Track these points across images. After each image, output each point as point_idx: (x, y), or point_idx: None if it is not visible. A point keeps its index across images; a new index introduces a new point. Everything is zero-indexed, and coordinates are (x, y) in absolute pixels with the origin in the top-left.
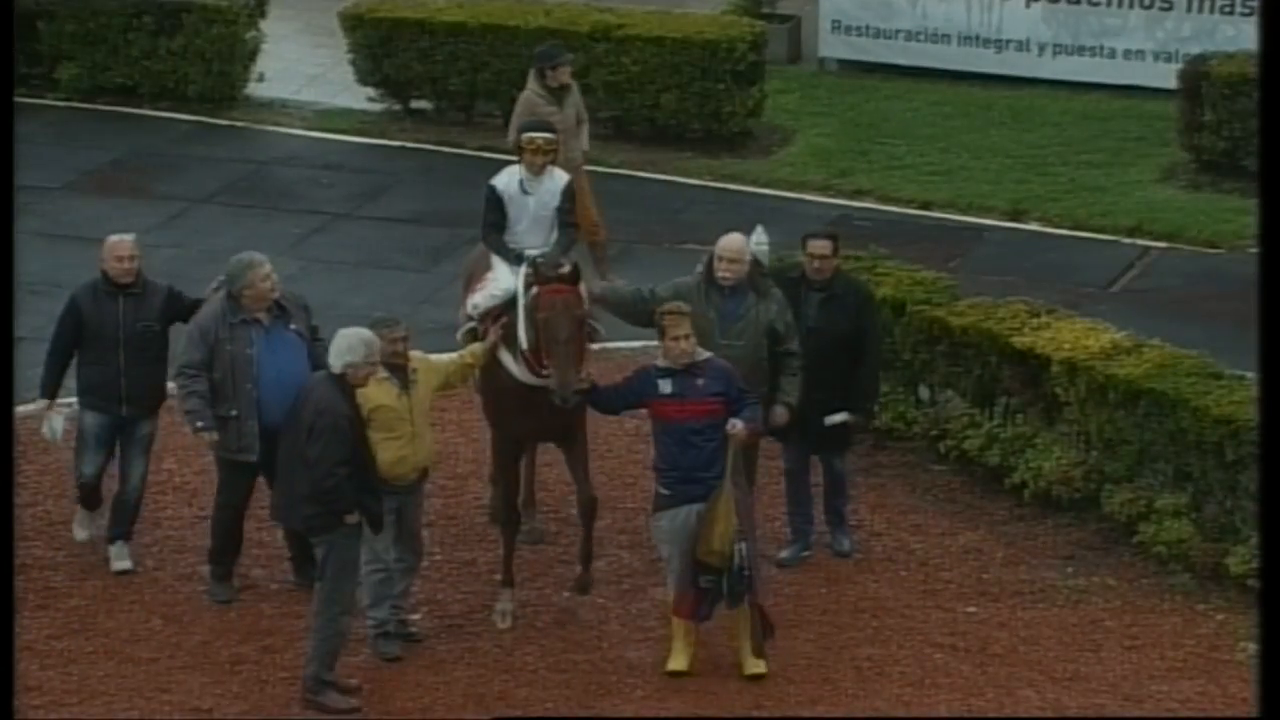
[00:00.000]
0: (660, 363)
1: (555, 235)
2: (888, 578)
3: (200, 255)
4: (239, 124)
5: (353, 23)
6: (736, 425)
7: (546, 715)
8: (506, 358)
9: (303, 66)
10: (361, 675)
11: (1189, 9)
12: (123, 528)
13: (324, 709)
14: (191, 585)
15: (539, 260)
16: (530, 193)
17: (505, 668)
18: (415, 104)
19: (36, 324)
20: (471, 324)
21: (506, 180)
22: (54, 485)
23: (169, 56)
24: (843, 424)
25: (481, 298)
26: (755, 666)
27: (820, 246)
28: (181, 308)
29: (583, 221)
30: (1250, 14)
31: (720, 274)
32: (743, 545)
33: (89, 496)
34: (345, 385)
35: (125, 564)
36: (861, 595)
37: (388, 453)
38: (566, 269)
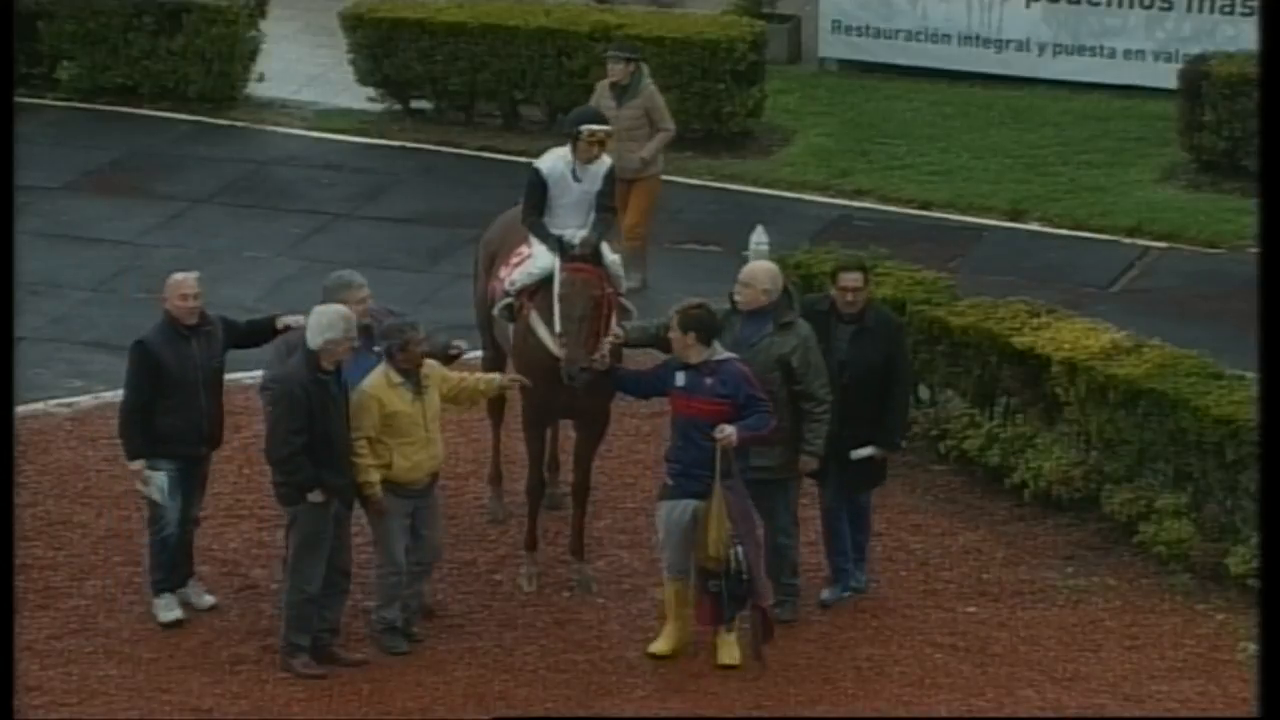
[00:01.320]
0: None
1: (592, 218)
2: (888, 578)
3: (200, 255)
4: (239, 124)
5: (353, 23)
6: (725, 430)
7: (546, 715)
8: (543, 332)
9: (303, 66)
10: (361, 675)
11: (1189, 9)
12: (181, 571)
13: (291, 671)
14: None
15: (566, 240)
16: (580, 180)
17: (505, 668)
18: (415, 104)
19: (36, 324)
20: (509, 299)
21: (551, 164)
22: (54, 485)
23: (169, 56)
24: (871, 459)
25: (520, 274)
26: (729, 657)
27: (852, 279)
28: (237, 334)
29: (623, 223)
30: (1250, 14)
31: (734, 293)
32: (738, 549)
33: (172, 556)
34: (314, 360)
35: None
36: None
37: (404, 459)
38: (589, 249)
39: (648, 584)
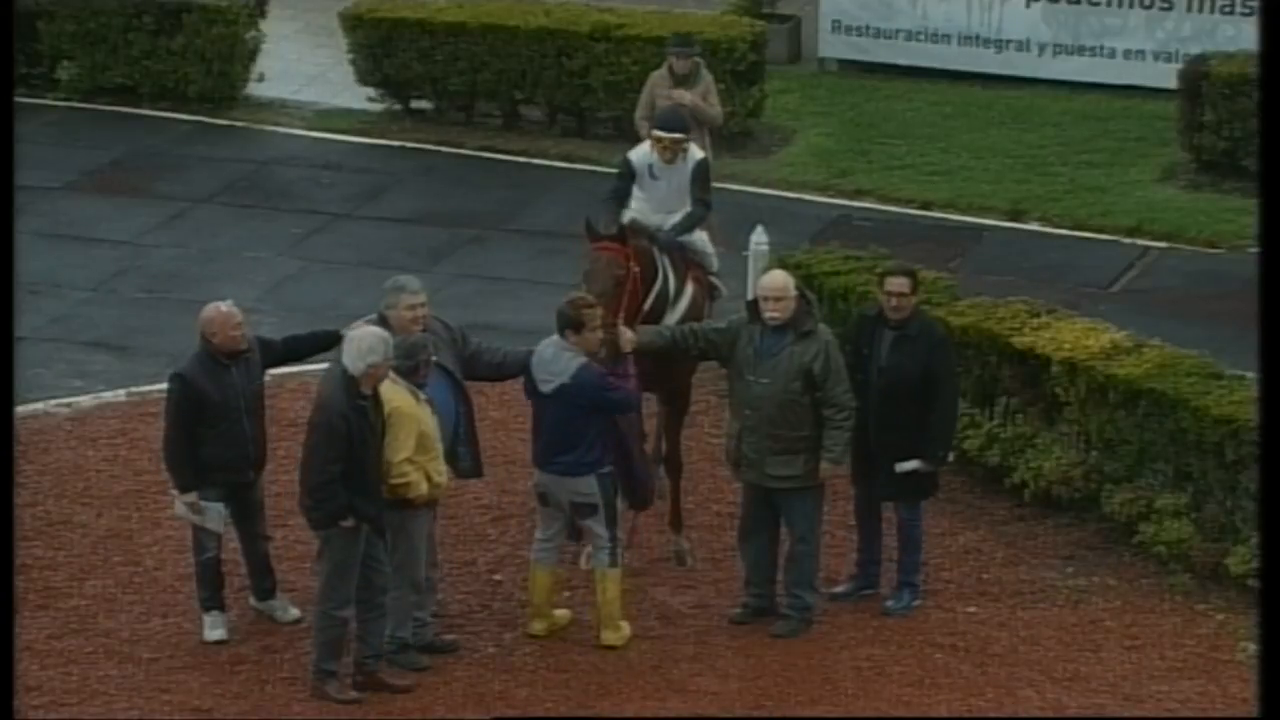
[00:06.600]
0: None
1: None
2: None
3: (200, 255)
4: (239, 124)
5: (353, 23)
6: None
7: (546, 715)
8: None
9: (303, 66)
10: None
11: (1189, 9)
12: (264, 586)
13: (326, 697)
14: (191, 585)
15: (590, 219)
16: (659, 178)
17: (505, 668)
18: (415, 104)
19: (36, 324)
20: None
21: (640, 156)
22: (54, 485)
23: (169, 56)
24: (914, 471)
25: None
26: (610, 638)
27: (898, 284)
28: (274, 354)
29: None
30: (1250, 14)
31: (768, 315)
32: None
33: (216, 576)
34: (353, 385)
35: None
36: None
37: (435, 474)
38: (614, 229)
39: (647, 584)
